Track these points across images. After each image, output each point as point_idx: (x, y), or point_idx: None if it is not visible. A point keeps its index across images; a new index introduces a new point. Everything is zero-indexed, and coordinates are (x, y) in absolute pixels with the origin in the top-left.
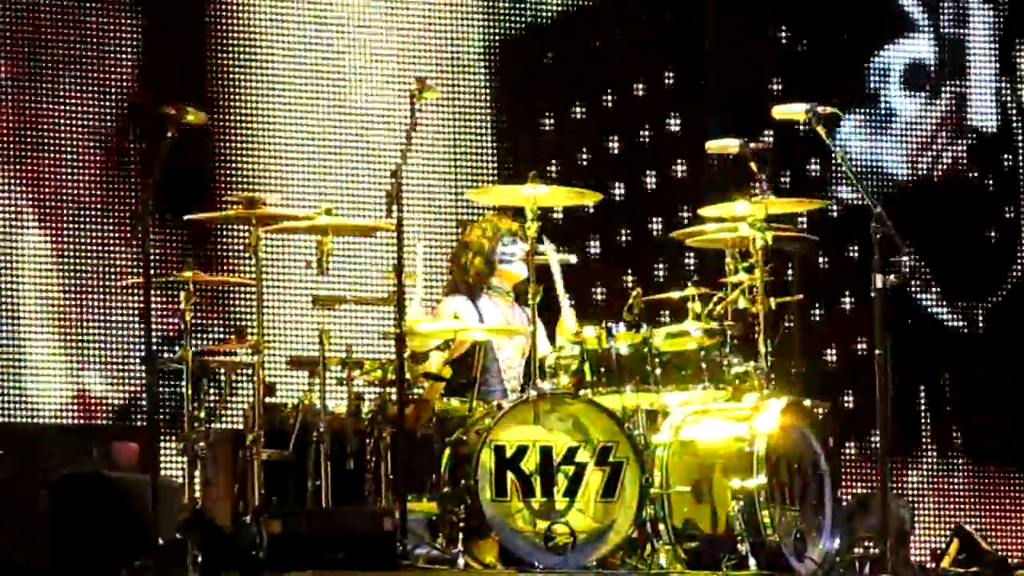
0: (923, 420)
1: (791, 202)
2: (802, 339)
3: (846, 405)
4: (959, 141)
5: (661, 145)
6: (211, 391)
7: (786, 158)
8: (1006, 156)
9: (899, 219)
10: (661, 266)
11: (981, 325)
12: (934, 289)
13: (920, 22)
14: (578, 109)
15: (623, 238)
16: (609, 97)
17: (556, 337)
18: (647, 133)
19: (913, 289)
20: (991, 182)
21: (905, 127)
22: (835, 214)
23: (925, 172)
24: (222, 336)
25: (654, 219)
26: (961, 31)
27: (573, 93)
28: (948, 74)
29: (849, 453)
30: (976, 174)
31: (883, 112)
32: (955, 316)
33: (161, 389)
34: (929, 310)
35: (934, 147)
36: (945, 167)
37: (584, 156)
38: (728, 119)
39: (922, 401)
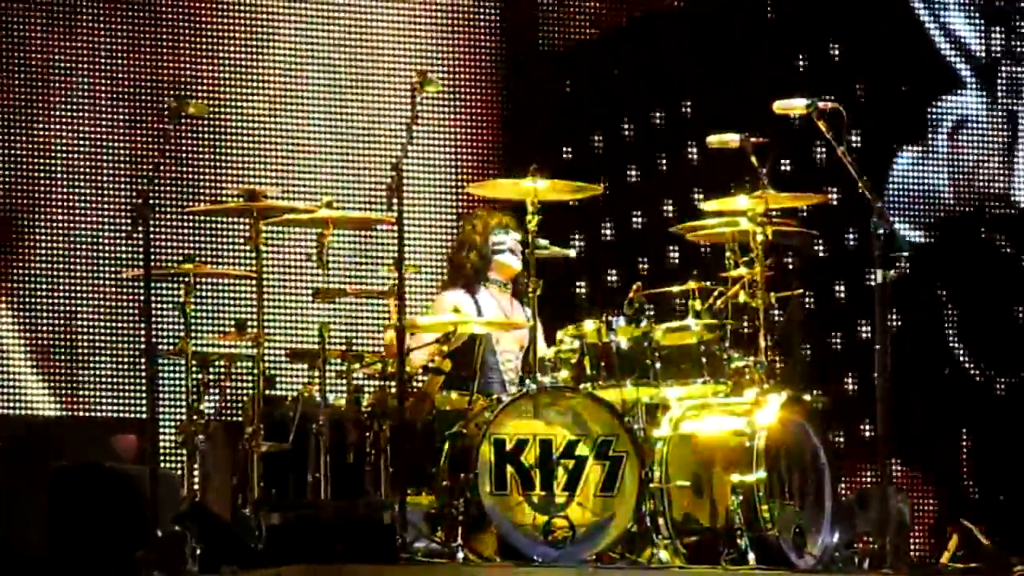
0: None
1: (791, 197)
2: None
3: (849, 391)
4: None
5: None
6: (211, 384)
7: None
8: None
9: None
10: (645, 261)
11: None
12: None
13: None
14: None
15: (608, 232)
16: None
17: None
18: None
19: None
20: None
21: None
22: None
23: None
24: (222, 329)
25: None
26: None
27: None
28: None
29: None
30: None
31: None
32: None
33: (161, 382)
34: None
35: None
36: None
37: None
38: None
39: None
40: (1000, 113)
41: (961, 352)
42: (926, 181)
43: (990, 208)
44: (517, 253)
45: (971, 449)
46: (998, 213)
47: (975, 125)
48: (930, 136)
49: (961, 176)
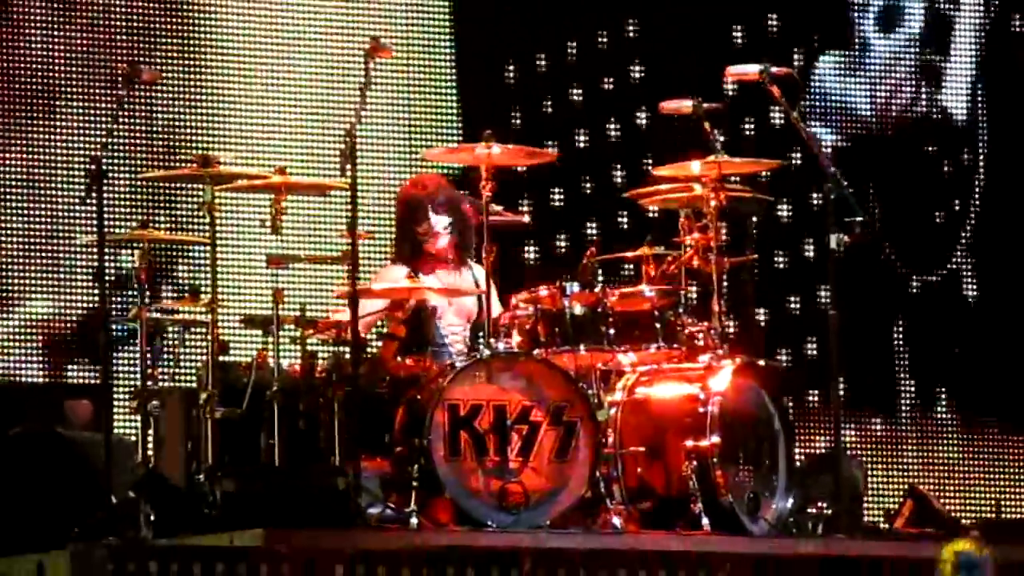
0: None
1: (746, 162)
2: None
3: (809, 356)
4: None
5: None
6: (165, 350)
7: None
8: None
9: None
10: (592, 226)
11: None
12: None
13: None
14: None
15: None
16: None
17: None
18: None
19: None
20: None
21: (879, 69)
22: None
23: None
24: (176, 295)
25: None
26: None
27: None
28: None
29: (810, 404)
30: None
31: (856, 51)
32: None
33: (115, 348)
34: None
35: (902, 92)
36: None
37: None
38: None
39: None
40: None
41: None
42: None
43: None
44: (444, 235)
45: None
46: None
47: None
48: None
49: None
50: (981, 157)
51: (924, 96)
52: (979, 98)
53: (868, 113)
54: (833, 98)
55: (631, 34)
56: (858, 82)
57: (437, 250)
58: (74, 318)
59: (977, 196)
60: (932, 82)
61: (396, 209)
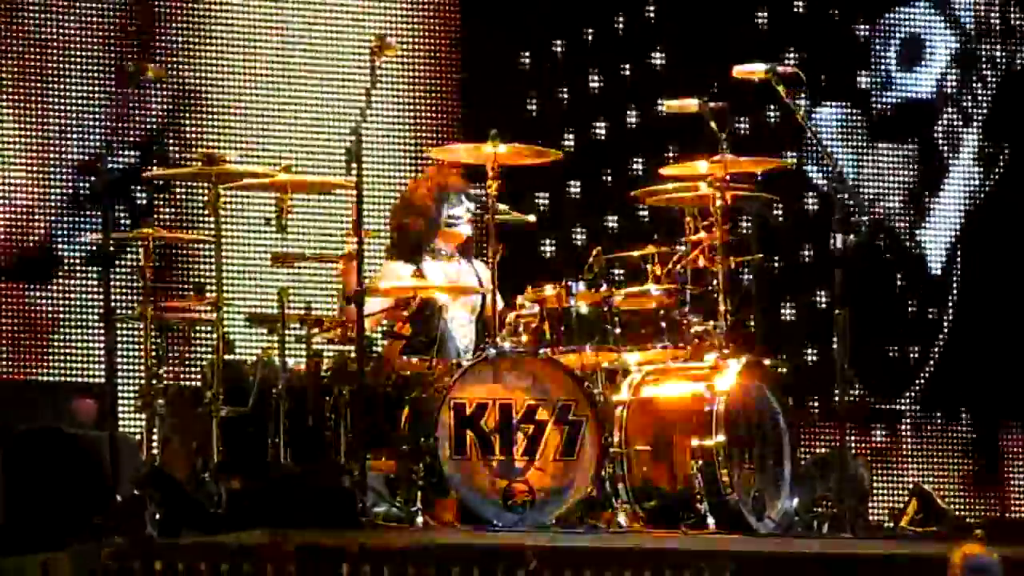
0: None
1: (751, 161)
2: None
3: (808, 360)
4: None
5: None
6: (170, 348)
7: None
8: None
9: None
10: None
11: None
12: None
13: None
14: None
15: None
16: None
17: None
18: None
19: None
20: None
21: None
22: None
23: None
24: (181, 293)
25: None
26: None
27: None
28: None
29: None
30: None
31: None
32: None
33: (120, 346)
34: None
35: None
36: None
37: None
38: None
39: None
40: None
41: None
42: None
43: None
44: (468, 223)
45: None
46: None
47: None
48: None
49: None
50: None
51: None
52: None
53: None
54: None
55: (650, 19)
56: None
57: (456, 237)
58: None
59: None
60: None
61: (417, 190)
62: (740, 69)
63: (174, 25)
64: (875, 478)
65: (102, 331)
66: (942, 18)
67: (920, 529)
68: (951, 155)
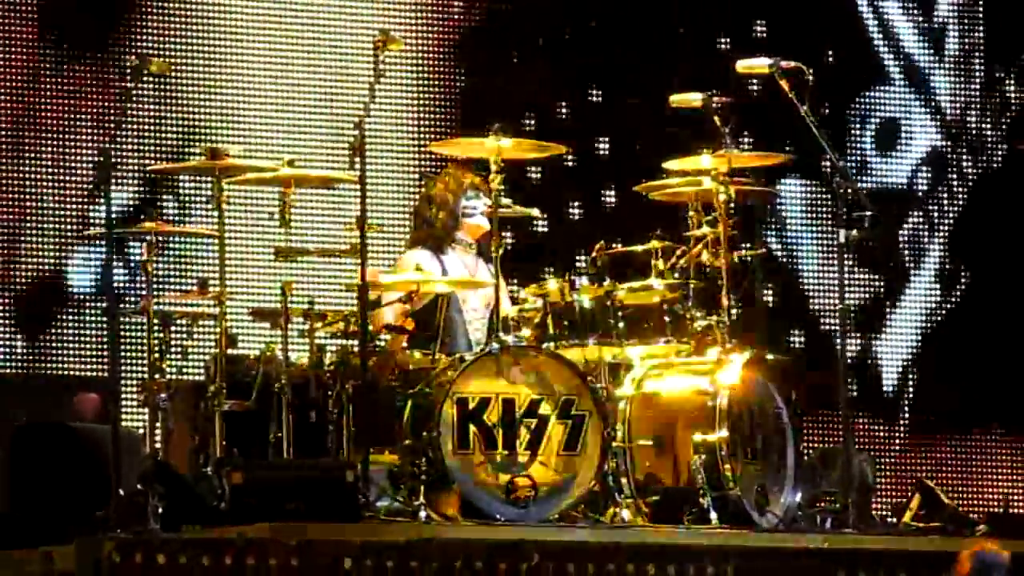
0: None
1: (755, 156)
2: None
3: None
4: None
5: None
6: (173, 343)
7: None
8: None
9: None
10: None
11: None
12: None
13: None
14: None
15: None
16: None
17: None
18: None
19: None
20: None
21: None
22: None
23: None
24: (185, 288)
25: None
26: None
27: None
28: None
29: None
30: None
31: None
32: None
33: (123, 340)
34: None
35: None
36: None
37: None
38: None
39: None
40: None
41: None
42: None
43: None
44: (484, 216)
45: None
46: None
47: None
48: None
49: None
50: None
51: None
52: None
53: None
54: None
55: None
56: None
57: (476, 228)
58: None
59: None
60: None
61: (437, 184)
62: (743, 64)
63: (178, 20)
64: (878, 473)
65: (105, 325)
66: (921, 102)
67: (923, 524)
68: (913, 265)
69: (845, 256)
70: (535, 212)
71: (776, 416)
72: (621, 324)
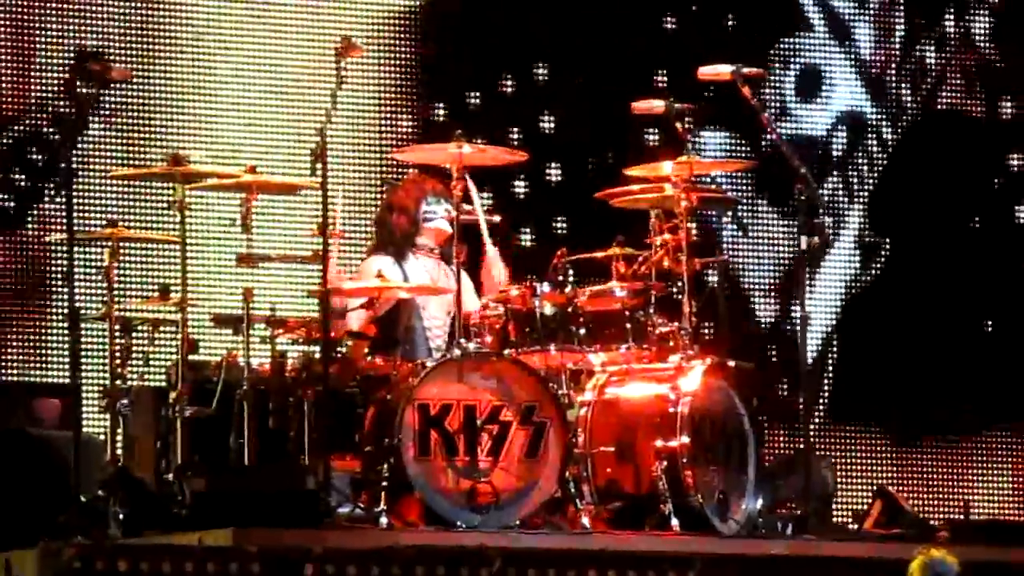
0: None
1: (717, 163)
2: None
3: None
4: None
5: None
6: (135, 348)
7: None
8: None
9: None
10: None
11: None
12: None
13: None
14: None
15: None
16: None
17: (483, 284)
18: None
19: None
20: None
21: None
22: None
23: None
24: (146, 293)
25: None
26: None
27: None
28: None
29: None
30: None
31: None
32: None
33: (84, 346)
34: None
35: None
36: None
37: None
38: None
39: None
40: None
41: None
42: None
43: None
44: (447, 221)
45: None
46: None
47: None
48: None
49: None
50: None
51: None
52: None
53: None
54: None
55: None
56: None
57: (438, 232)
58: (43, 316)
59: None
60: None
61: (398, 191)
62: (705, 71)
63: (140, 25)
64: (839, 480)
65: (66, 331)
66: (843, 53)
67: (884, 531)
68: (832, 232)
69: (805, 264)
70: (496, 218)
71: (737, 422)
72: (583, 330)
